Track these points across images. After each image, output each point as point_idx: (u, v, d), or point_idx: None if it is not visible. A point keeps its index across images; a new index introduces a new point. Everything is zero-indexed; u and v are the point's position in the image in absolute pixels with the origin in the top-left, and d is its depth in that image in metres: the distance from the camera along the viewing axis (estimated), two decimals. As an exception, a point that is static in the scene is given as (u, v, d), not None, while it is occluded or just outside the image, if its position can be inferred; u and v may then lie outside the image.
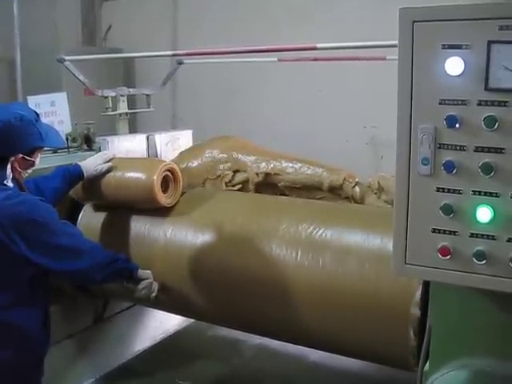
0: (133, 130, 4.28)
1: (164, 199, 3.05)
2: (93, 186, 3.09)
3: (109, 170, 3.08)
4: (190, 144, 3.93)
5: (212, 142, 3.66)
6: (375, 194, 3.09)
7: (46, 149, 2.71)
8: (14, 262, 2.32)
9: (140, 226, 3.11)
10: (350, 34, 3.50)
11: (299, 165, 3.26)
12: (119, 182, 3.07)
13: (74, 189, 3.06)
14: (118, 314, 3.88)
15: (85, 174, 2.99)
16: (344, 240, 2.57)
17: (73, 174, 2.94)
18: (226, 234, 2.88)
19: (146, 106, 4.23)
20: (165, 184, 3.07)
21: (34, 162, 2.47)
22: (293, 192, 3.30)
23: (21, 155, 2.39)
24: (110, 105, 3.84)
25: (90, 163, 3.04)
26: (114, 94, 3.86)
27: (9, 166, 2.39)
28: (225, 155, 3.51)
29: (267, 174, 3.35)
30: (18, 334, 2.39)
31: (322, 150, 3.71)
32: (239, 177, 3.46)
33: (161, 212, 3.08)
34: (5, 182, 2.38)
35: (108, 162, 3.11)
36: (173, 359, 3.97)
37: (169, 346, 4.18)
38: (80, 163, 3.02)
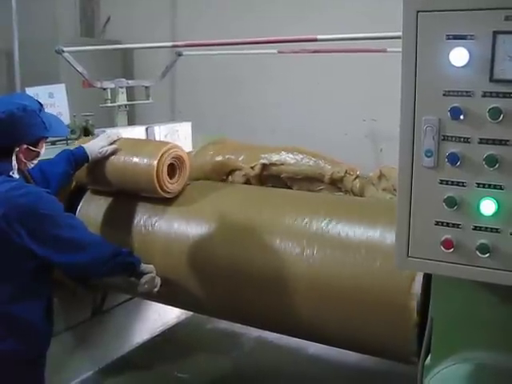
0: (131, 122, 4.26)
1: (169, 185, 2.99)
2: (97, 170, 3.05)
3: (113, 153, 3.03)
4: (189, 136, 3.90)
5: (204, 149, 3.60)
6: (373, 185, 3.08)
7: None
8: (17, 254, 2.30)
9: (141, 217, 3.07)
10: (350, 26, 3.47)
11: (300, 156, 3.25)
12: (124, 166, 3.01)
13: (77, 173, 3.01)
14: (116, 306, 3.87)
15: (89, 157, 2.94)
16: (348, 233, 2.55)
17: (77, 157, 2.89)
18: (229, 226, 2.85)
19: (144, 98, 4.21)
20: (171, 169, 3.02)
21: (38, 152, 2.45)
22: (294, 183, 3.28)
23: (25, 146, 2.37)
24: (109, 97, 3.82)
25: (95, 145, 2.99)
26: (112, 85, 3.84)
27: (14, 157, 2.36)
28: (219, 158, 3.47)
29: (264, 165, 3.33)
30: (19, 326, 2.37)
31: (321, 144, 3.69)
32: (237, 177, 3.43)
33: (163, 202, 3.05)
34: (10, 173, 2.36)
35: (112, 143, 3.06)
36: (172, 352, 3.97)
37: (168, 339, 4.18)
38: (84, 145, 2.97)
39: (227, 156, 3.45)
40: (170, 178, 3.02)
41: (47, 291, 2.50)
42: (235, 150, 3.48)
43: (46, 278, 2.48)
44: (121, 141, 3.11)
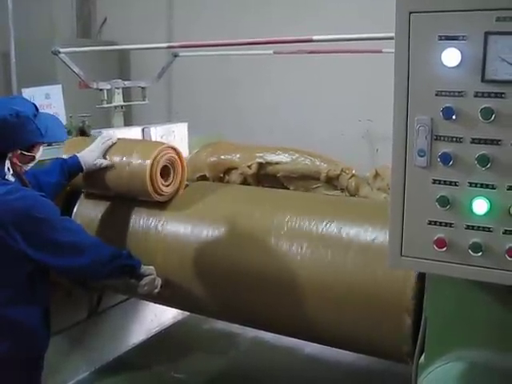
0: (128, 122, 4.26)
1: (163, 187, 2.97)
2: (92, 174, 3.01)
3: (108, 167, 2.98)
4: (186, 137, 3.90)
5: (199, 151, 3.60)
6: (368, 184, 3.09)
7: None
8: (13, 259, 2.29)
9: (140, 219, 3.06)
10: (346, 27, 3.48)
11: (296, 155, 3.26)
12: (118, 170, 2.98)
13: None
14: (112, 307, 3.87)
15: (84, 168, 2.91)
16: (346, 234, 2.55)
17: (71, 168, 2.86)
18: (228, 227, 2.84)
19: (141, 99, 4.21)
20: (166, 171, 3.00)
21: (34, 156, 2.43)
22: (291, 181, 3.28)
23: (19, 151, 2.36)
24: (106, 97, 3.82)
25: (89, 156, 2.94)
26: (109, 86, 3.84)
27: (7, 162, 2.35)
28: (214, 158, 3.47)
29: (261, 164, 3.34)
30: (16, 329, 2.36)
31: (317, 144, 3.70)
32: (234, 176, 3.44)
33: (162, 204, 3.03)
34: (6, 177, 2.35)
35: (108, 148, 3.02)
36: (168, 352, 3.97)
37: (164, 339, 4.18)
38: (78, 155, 2.93)
39: (222, 156, 3.46)
40: (165, 181, 3.00)
41: (44, 294, 2.49)
42: (230, 150, 3.49)
43: (44, 282, 2.47)
44: (115, 144, 3.07)
